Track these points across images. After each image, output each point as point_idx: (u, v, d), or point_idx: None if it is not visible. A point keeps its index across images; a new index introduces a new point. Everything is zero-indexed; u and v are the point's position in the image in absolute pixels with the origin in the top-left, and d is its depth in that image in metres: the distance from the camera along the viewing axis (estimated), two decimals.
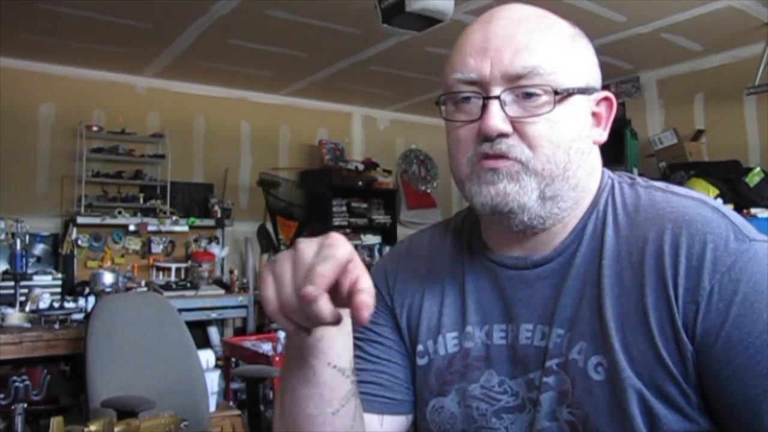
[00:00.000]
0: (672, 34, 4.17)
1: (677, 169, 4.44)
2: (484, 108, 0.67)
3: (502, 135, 0.67)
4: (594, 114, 0.73)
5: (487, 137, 0.67)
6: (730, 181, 3.96)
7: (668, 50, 4.47)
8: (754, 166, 4.08)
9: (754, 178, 3.91)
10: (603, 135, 0.74)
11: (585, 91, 0.70)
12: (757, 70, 3.89)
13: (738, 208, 3.80)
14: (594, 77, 0.72)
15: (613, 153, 4.87)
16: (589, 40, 0.73)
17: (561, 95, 0.67)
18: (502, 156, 0.67)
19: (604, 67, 0.74)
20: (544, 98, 0.66)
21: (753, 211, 3.70)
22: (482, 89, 0.68)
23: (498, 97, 0.67)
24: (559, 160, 0.67)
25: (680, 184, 4.04)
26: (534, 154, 0.67)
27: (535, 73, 0.66)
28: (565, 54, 0.68)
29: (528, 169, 0.67)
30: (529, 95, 0.67)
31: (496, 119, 0.66)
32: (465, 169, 0.70)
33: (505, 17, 0.70)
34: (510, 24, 0.68)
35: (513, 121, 0.67)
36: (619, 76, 5.15)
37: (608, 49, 4.37)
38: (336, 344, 0.65)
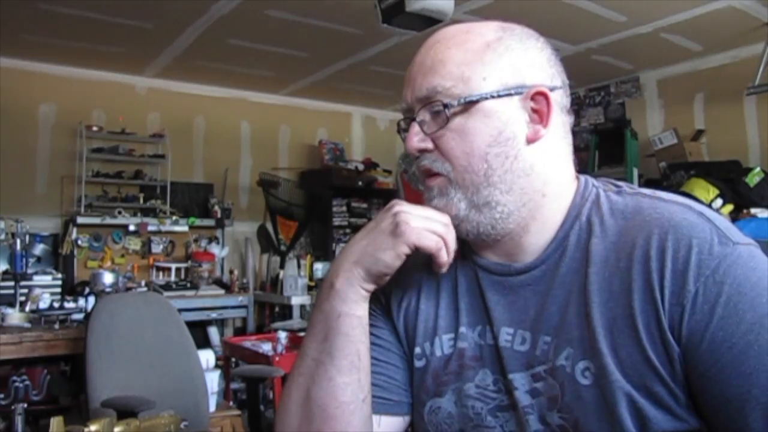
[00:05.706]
0: (672, 34, 4.17)
1: (677, 169, 4.44)
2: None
3: (424, 151, 0.74)
4: (534, 111, 0.72)
5: (412, 155, 0.75)
6: (730, 181, 3.95)
7: (668, 50, 4.47)
8: (754, 166, 4.07)
9: (754, 178, 3.90)
10: (542, 131, 0.72)
11: (499, 94, 0.70)
12: (757, 70, 3.88)
13: (738, 208, 3.80)
14: (519, 76, 0.72)
15: (614, 153, 4.87)
16: (520, 38, 0.74)
17: (456, 107, 0.71)
18: (435, 174, 0.73)
19: (604, 67, 0.75)
20: (446, 113, 0.71)
21: (753, 211, 3.69)
22: (411, 114, 0.75)
23: (414, 119, 0.74)
24: (478, 169, 0.71)
25: (680, 184, 4.05)
26: (452, 166, 0.72)
27: (436, 92, 0.72)
28: (470, 65, 0.71)
29: (452, 182, 0.73)
30: (435, 113, 0.72)
31: (413, 139, 0.73)
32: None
33: (426, 44, 0.76)
34: (426, 50, 0.75)
35: (433, 138, 0.73)
36: (619, 76, 5.13)
37: (608, 49, 4.37)
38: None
